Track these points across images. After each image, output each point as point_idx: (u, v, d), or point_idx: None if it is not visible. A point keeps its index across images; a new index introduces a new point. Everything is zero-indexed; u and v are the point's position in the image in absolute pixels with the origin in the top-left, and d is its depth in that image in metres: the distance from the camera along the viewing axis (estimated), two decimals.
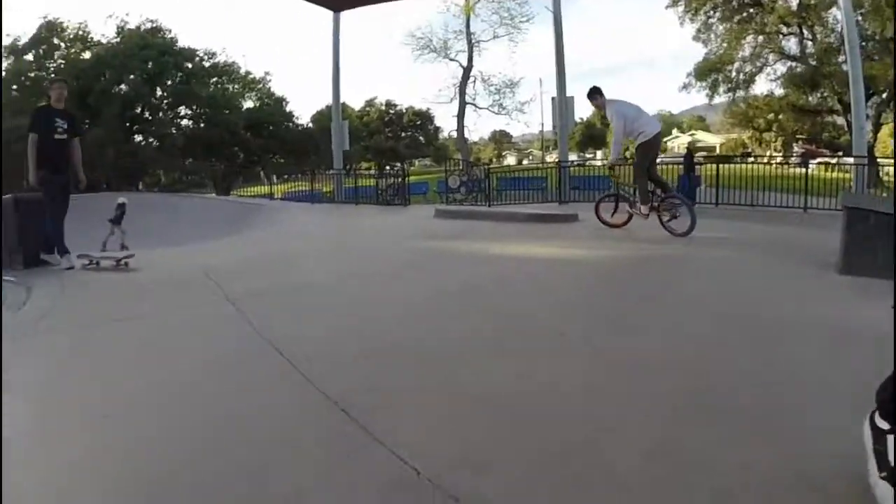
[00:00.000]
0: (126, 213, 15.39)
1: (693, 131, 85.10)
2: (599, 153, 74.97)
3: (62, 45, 39.63)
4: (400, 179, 17.18)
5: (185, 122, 42.58)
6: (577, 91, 48.15)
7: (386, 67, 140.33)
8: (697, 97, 42.89)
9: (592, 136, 78.66)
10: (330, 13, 19.93)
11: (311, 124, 52.21)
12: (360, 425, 2.31)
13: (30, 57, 38.38)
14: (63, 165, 7.14)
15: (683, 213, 8.26)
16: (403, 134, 68.31)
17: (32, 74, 37.67)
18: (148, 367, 3.32)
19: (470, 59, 41.85)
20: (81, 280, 6.50)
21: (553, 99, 18.37)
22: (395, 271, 6.22)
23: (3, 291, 5.63)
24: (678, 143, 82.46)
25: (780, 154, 45.93)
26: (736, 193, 14.93)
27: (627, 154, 12.17)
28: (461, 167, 16.29)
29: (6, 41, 37.54)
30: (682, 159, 17.52)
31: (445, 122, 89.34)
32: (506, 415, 2.46)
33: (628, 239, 8.16)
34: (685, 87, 42.56)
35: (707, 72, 40.23)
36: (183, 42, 42.21)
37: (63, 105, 7.31)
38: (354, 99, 71.99)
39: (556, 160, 16.57)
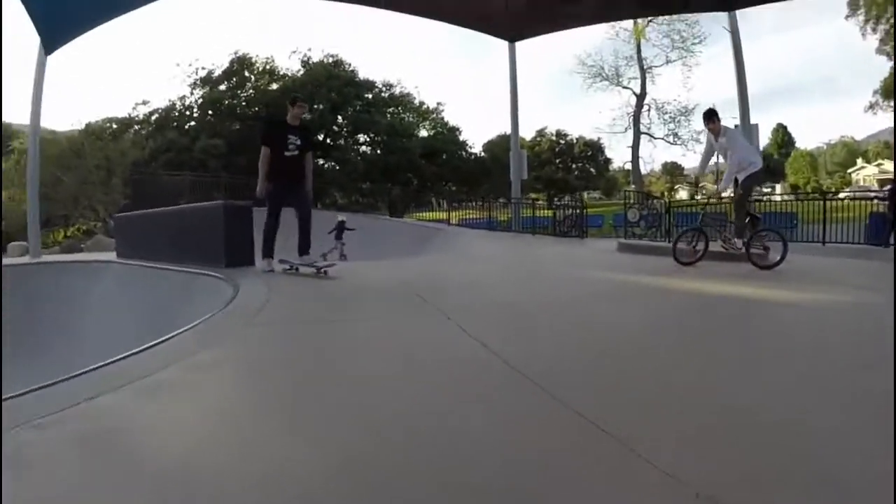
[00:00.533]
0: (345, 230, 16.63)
1: (881, 160, 77.00)
2: (778, 187, 70.20)
3: (252, 77, 44.06)
4: (578, 211, 17.30)
5: (364, 147, 45.60)
6: (761, 119, 45.84)
7: (557, 96, 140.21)
8: (885, 119, 39.26)
9: (767, 167, 73.64)
10: (505, 43, 20.41)
11: (483, 153, 53.68)
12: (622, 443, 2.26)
13: (223, 87, 43.02)
14: (294, 180, 7.59)
15: (775, 245, 8.20)
16: (574, 165, 68.09)
17: (226, 102, 42.45)
18: (374, 364, 3.63)
19: (643, 86, 41.61)
20: (289, 282, 7.19)
21: (736, 127, 17.87)
22: (592, 299, 6.10)
23: (213, 285, 6.71)
24: (863, 174, 75.18)
25: None
26: None
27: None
28: (641, 201, 16.17)
29: (203, 73, 42.89)
30: (877, 194, 15.95)
31: (616, 153, 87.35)
32: (757, 436, 2.38)
33: (799, 280, 7.41)
34: (871, 107, 39.64)
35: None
36: (362, 74, 45.57)
37: (299, 122, 7.92)
38: (525, 128, 72.65)
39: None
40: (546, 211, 22.05)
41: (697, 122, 39.71)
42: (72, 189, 39.82)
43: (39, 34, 12.95)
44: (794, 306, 5.57)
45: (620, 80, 42.70)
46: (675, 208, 16.81)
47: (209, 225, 8.76)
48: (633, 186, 39.74)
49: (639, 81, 41.83)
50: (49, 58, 13.23)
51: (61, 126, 43.81)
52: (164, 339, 4.05)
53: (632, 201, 15.92)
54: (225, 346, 4.03)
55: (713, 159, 9.45)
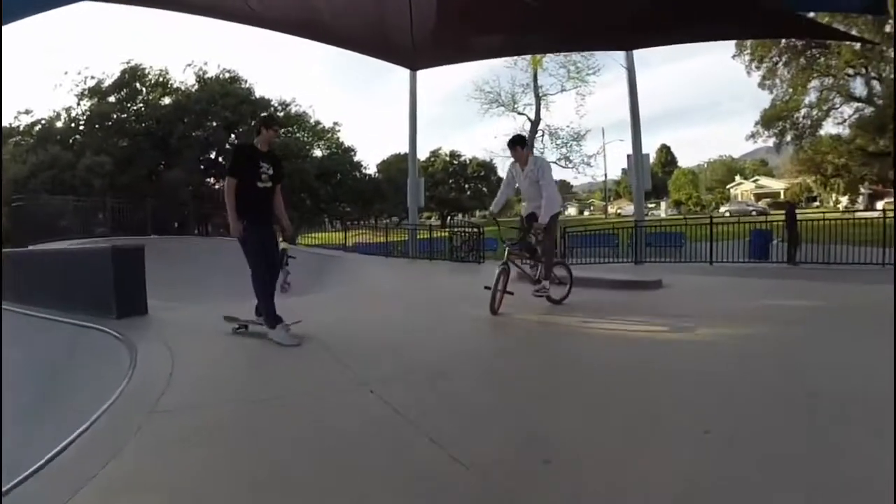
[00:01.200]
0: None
1: (757, 177, 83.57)
2: (663, 204, 74.33)
3: (143, 89, 42.04)
4: (475, 237, 17.27)
5: None
6: (647, 142, 48.14)
7: (452, 119, 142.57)
8: (761, 140, 43.14)
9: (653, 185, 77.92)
10: (406, 71, 20.55)
11: (378, 173, 53.56)
12: None
13: (112, 99, 40.77)
14: (266, 215, 6.46)
15: (564, 277, 8.57)
16: (467, 185, 69.06)
17: (115, 116, 40.23)
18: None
19: (537, 113, 42.85)
20: (193, 342, 6.34)
21: (629, 156, 18.48)
22: (510, 353, 5.89)
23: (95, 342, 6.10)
24: (741, 189, 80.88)
25: (847, 197, 45.32)
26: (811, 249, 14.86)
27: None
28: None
29: (91, 83, 40.54)
30: (755, 209, 17.08)
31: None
32: None
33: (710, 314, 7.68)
34: (752, 136, 42.75)
35: (774, 119, 40.44)
36: (259, 92, 44.77)
37: (268, 148, 6.47)
38: (420, 149, 73.15)
39: (633, 218, 16.43)
40: (442, 232, 22.10)
41: (588, 147, 41.25)
42: None
43: None
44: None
45: (516, 106, 43.88)
46: (569, 233, 17.23)
47: (98, 267, 8.08)
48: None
49: (534, 108, 43.10)
50: None
51: None
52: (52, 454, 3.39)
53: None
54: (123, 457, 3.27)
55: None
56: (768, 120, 41.64)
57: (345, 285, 13.53)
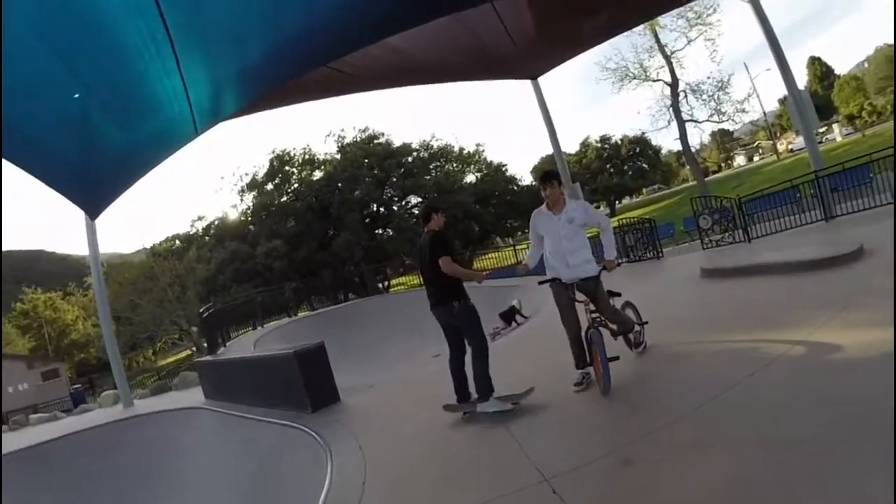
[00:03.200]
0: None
1: None
2: (836, 127, 62.96)
3: (293, 171, 44.78)
4: (648, 231, 16.30)
5: (416, 210, 45.36)
6: (794, 57, 42.45)
7: (588, 105, 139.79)
8: None
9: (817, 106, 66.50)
10: (528, 82, 20.03)
11: (534, 182, 53.32)
12: None
13: (269, 187, 43.95)
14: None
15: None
16: (625, 166, 66.84)
17: (276, 202, 43.30)
18: None
19: (672, 74, 40.24)
20: (389, 434, 6.22)
21: (785, 99, 16.55)
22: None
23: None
24: None
25: None
26: None
27: None
28: (708, 205, 15.23)
29: (247, 179, 44.31)
30: None
31: (663, 140, 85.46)
32: None
33: None
34: None
35: None
36: (397, 140, 46.02)
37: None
38: (566, 144, 72.07)
39: (813, 171, 14.36)
40: (611, 220, 21.27)
41: (736, 93, 37.87)
42: (150, 310, 41.30)
43: (81, 208, 13.29)
44: None
45: (648, 73, 41.43)
46: (746, 201, 15.60)
47: (288, 369, 8.57)
48: (693, 178, 37.61)
49: (666, 70, 40.36)
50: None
51: (127, 249, 46.16)
52: None
53: (700, 209, 14.99)
54: None
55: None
56: None
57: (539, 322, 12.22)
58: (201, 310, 19.75)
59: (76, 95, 8.44)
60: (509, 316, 14.01)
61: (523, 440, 4.84)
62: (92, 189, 12.28)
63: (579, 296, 5.96)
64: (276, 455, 7.54)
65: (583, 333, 5.93)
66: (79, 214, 14.12)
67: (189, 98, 9.58)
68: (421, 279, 7.92)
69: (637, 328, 6.44)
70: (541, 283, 6.21)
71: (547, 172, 6.30)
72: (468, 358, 6.11)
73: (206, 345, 19.98)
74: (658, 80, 41.37)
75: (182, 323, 42.84)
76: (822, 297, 6.46)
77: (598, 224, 6.20)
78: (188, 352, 50.49)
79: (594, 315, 5.83)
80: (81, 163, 10.77)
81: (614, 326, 6.17)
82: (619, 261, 6.92)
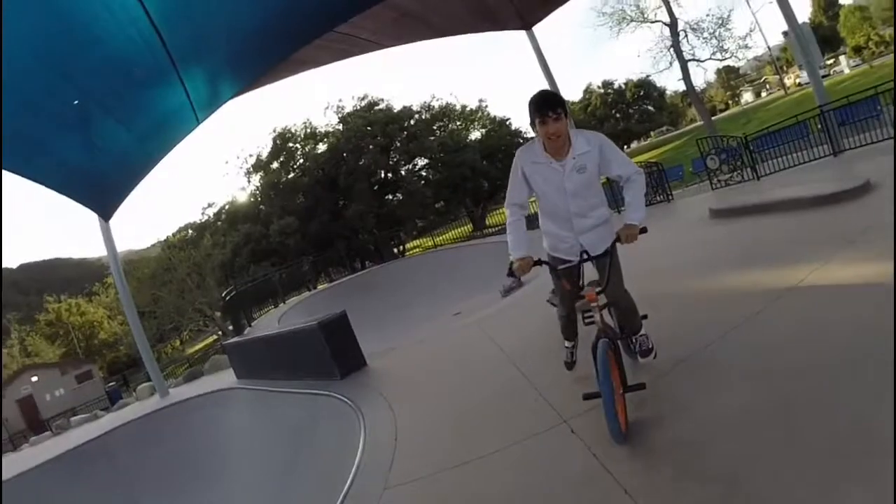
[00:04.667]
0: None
1: None
2: (843, 58, 61.97)
3: (297, 146, 44.78)
4: (657, 174, 16.26)
5: (423, 172, 45.79)
6: None
7: (586, 51, 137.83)
8: None
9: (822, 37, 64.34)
10: (523, 33, 19.78)
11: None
12: None
13: (275, 165, 44.08)
14: None
15: None
16: (631, 110, 65.99)
17: (283, 179, 43.49)
18: None
19: (670, 13, 39.07)
20: (406, 390, 6.41)
21: (785, 34, 16.14)
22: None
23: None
24: None
25: None
26: None
27: None
28: (716, 144, 15.15)
29: (252, 161, 44.51)
30: None
31: (667, 81, 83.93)
32: None
33: None
34: None
35: None
36: (397, 105, 45.88)
37: None
38: (569, 92, 71.22)
39: (817, 106, 14.05)
40: None
41: (737, 29, 37.14)
42: (172, 301, 42.04)
43: (94, 211, 13.55)
44: None
45: (645, 15, 40.95)
46: (754, 138, 15.57)
47: (314, 341, 8.78)
48: (694, 110, 37.04)
49: (664, 10, 39.42)
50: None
51: (142, 245, 46.88)
52: None
53: (708, 149, 14.95)
54: None
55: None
56: None
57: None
58: (223, 293, 20.07)
59: (75, 102, 8.62)
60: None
61: (542, 388, 5.05)
62: (102, 191, 12.55)
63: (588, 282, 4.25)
64: (311, 423, 7.83)
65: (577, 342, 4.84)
66: (91, 218, 14.37)
67: (186, 89, 9.71)
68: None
69: (643, 332, 4.54)
70: (533, 264, 3.90)
71: (545, 96, 3.86)
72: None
73: (231, 327, 20.32)
74: (656, 21, 40.70)
75: (205, 309, 43.61)
76: (829, 233, 6.43)
77: (620, 175, 3.96)
78: (214, 337, 51.36)
79: (587, 316, 3.96)
80: (90, 166, 11.03)
81: (619, 326, 4.57)
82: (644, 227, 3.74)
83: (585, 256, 4.04)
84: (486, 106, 49.55)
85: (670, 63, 41.31)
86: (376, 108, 44.58)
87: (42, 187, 10.95)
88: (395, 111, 44.93)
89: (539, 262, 3.89)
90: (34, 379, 47.32)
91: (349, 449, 5.54)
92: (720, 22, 40.35)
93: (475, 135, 48.28)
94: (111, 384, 37.95)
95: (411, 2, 12.96)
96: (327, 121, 46.10)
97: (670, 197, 15.40)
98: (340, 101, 46.17)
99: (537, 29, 19.42)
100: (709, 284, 6.31)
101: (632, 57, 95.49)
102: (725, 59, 42.18)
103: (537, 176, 3.99)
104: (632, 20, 41.28)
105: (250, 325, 17.31)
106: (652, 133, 73.29)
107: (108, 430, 13.46)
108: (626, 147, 68.09)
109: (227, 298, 18.04)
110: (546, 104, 3.75)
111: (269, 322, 16.95)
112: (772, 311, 4.78)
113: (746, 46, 41.54)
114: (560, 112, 3.74)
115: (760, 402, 3.50)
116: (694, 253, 8.08)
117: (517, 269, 3.83)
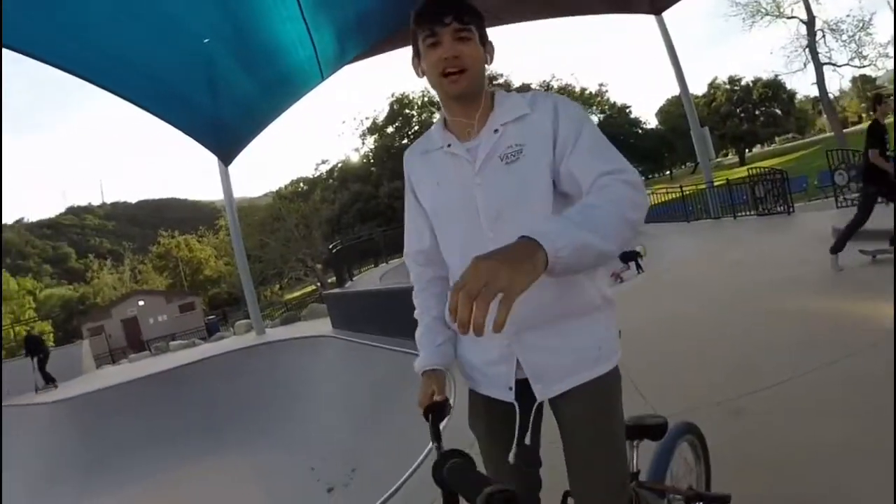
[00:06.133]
0: None
1: None
2: None
3: (413, 113, 45.64)
4: (779, 183, 15.12)
5: None
6: None
7: (714, 42, 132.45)
8: None
9: None
10: (652, 17, 18.89)
11: (659, 126, 51.51)
12: None
13: (390, 129, 45.09)
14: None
15: None
16: (757, 111, 62.49)
17: (397, 144, 44.39)
18: None
19: (808, 10, 36.56)
20: None
21: None
22: None
23: None
24: None
25: None
26: None
27: None
28: (845, 159, 14.23)
29: (367, 123, 45.58)
30: None
31: (798, 84, 79.40)
32: None
33: None
34: None
35: None
36: (515, 81, 46.12)
37: (884, 121, 7.23)
38: (694, 85, 68.44)
39: None
40: (739, 170, 20.12)
41: (881, 35, 34.32)
42: (278, 249, 43.51)
43: (215, 154, 14.18)
44: None
45: (781, 9, 38.17)
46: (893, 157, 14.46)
47: (412, 301, 8.88)
48: (825, 119, 34.73)
49: (801, 5, 36.81)
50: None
51: (255, 192, 48.89)
52: None
53: (837, 163, 14.09)
54: None
55: None
56: None
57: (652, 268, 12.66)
58: (330, 246, 20.71)
59: (206, 40, 8.94)
60: (629, 257, 13.78)
61: (639, 381, 4.93)
62: (225, 135, 13.08)
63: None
64: (399, 379, 7.97)
65: None
66: (210, 162, 15.06)
67: (314, 42, 9.94)
68: None
69: None
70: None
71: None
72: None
73: (330, 280, 20.87)
74: (793, 17, 38.01)
75: (307, 260, 44.90)
76: None
77: (587, 182, 1.44)
78: (312, 287, 53.03)
79: None
80: (214, 110, 11.50)
81: None
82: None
83: (533, 396, 1.61)
84: (607, 91, 48.79)
85: (804, 65, 38.95)
86: (495, 82, 44.44)
87: (168, 128, 11.54)
88: (514, 87, 44.48)
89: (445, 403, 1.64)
90: (140, 303, 51.10)
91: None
92: (861, 25, 37.01)
93: (593, 120, 47.25)
94: (211, 317, 39.98)
95: None
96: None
97: (791, 209, 14.53)
98: None
99: (667, 14, 18.80)
100: (820, 307, 5.91)
101: (763, 53, 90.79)
102: (864, 66, 38.95)
103: (426, 177, 1.81)
104: (766, 14, 38.81)
105: (351, 280, 17.79)
106: (777, 138, 69.55)
107: (203, 357, 14.41)
108: (747, 151, 64.58)
109: (334, 251, 18.61)
110: (436, 6, 1.58)
111: (370, 279, 17.38)
112: (887, 346, 4.08)
113: (887, 55, 37.89)
114: (466, 21, 1.58)
115: (859, 442, 3.30)
116: (809, 271, 7.54)
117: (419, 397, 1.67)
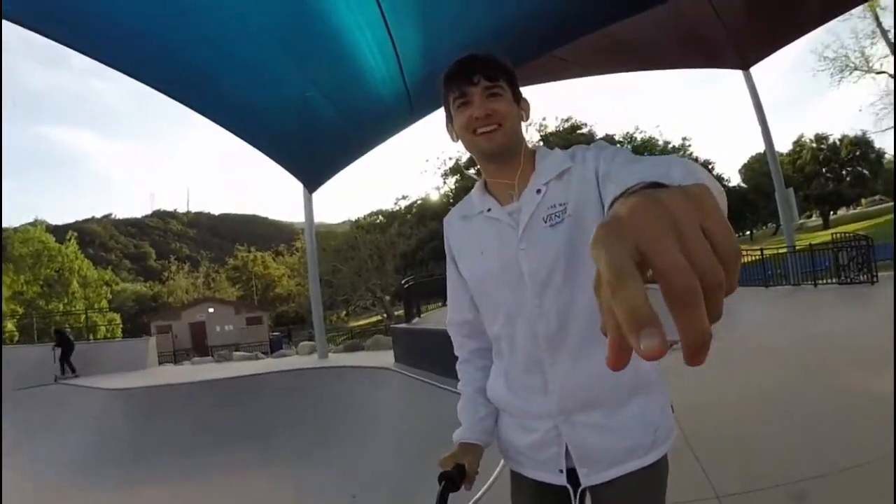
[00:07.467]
0: None
1: None
2: None
3: None
4: (864, 249, 14.37)
5: None
6: None
7: (798, 96, 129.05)
8: None
9: None
10: (739, 72, 18.48)
11: (742, 184, 50.56)
12: None
13: (471, 171, 45.30)
14: None
15: None
16: (844, 171, 59.81)
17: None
18: None
19: None
20: None
21: None
22: None
23: None
24: None
25: None
26: None
27: None
28: None
29: (450, 164, 46.66)
30: None
31: (888, 143, 75.84)
32: None
33: None
34: None
35: None
36: (600, 132, 46.00)
37: None
38: (779, 141, 66.66)
39: None
40: (822, 234, 19.45)
41: None
42: (350, 276, 44.45)
43: (300, 181, 14.72)
44: None
45: (870, 64, 36.33)
46: None
47: None
48: None
49: (892, 60, 34.40)
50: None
51: (334, 219, 50.19)
52: None
53: None
54: None
55: None
56: None
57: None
58: (402, 281, 21.03)
59: (308, 94, 9.47)
60: None
61: (702, 457, 4.86)
62: (313, 166, 13.58)
63: None
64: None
65: None
66: (295, 186, 15.59)
67: (408, 88, 10.31)
68: None
69: None
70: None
71: (464, 57, 1.61)
72: None
73: (397, 313, 21.14)
74: (882, 73, 36.04)
75: (377, 291, 45.76)
76: None
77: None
78: (378, 317, 53.72)
79: None
80: (304, 140, 12.00)
81: None
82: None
83: (580, 480, 1.58)
84: (690, 145, 47.97)
85: (895, 122, 36.87)
86: (578, 131, 44.69)
87: (257, 152, 12.03)
88: (597, 138, 44.25)
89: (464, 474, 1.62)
90: (210, 310, 52.36)
91: (490, 459, 5.65)
92: None
93: None
94: (276, 333, 40.83)
95: (623, 30, 12.77)
96: (528, 137, 46.39)
97: (875, 279, 13.71)
98: (544, 119, 46.28)
99: (754, 69, 18.50)
100: None
101: (851, 110, 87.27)
102: None
103: (467, 246, 1.78)
104: (855, 68, 37.11)
105: (419, 317, 17.99)
106: (863, 200, 66.81)
107: (265, 371, 14.85)
108: (832, 213, 61.90)
109: (405, 286, 18.87)
110: (464, 66, 1.58)
111: (437, 318, 17.53)
112: None
113: None
114: (495, 78, 1.58)
115: None
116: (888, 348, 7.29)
117: (443, 457, 1.66)
